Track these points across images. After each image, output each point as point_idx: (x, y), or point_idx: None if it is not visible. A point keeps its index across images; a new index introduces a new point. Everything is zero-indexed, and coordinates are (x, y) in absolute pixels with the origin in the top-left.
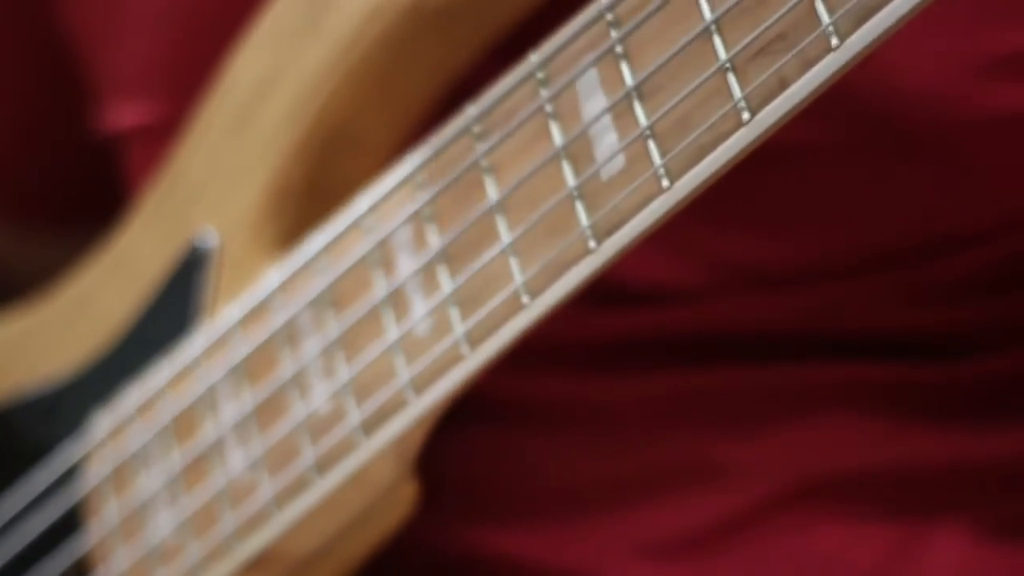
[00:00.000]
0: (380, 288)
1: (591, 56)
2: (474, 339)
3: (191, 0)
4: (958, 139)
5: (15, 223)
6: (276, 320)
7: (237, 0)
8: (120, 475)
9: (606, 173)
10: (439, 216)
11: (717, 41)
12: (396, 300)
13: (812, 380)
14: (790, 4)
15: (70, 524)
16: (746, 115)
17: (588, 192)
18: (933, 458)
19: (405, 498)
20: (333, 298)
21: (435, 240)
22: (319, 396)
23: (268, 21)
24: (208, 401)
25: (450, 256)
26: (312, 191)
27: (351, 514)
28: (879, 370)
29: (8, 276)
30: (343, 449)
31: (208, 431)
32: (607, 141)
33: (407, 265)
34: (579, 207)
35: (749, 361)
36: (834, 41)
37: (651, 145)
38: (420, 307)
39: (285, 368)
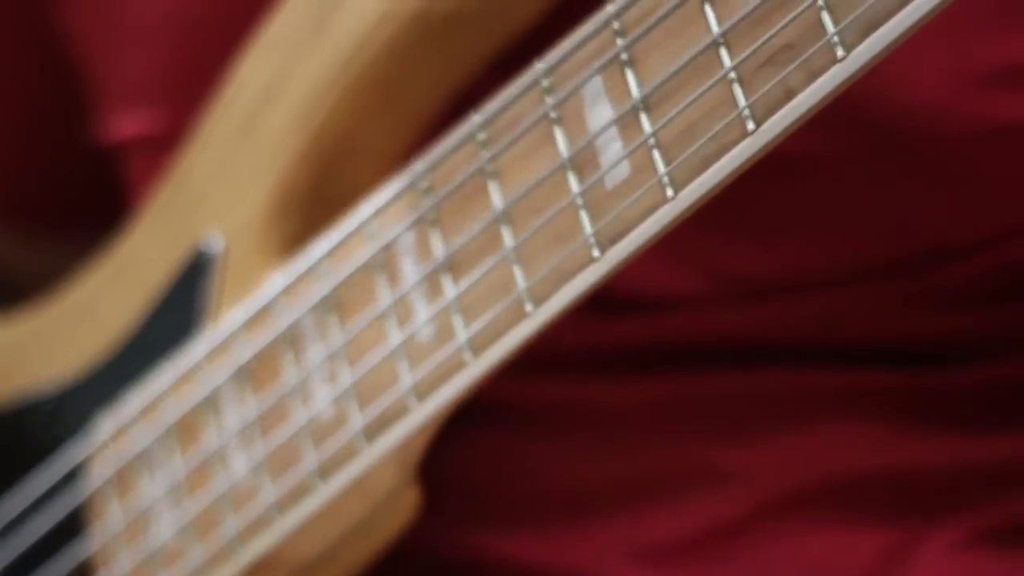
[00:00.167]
0: (383, 294)
1: (596, 64)
2: (477, 346)
3: (192, 10)
4: (958, 149)
5: (16, 227)
6: (279, 325)
7: (239, 9)
8: (123, 478)
9: (610, 182)
10: (443, 222)
11: (723, 51)
12: (399, 306)
13: (810, 386)
14: (796, 14)
15: (73, 527)
16: (751, 125)
17: (592, 200)
18: (930, 464)
19: (407, 504)
20: (336, 303)
21: (439, 246)
22: (321, 401)
23: (273, 28)
24: (211, 405)
25: (453, 263)
26: (316, 197)
27: (353, 520)
28: (877, 377)
29: (10, 280)
30: (345, 455)
31: (211, 435)
32: (612, 149)
33: (410, 271)
34: (583, 215)
35: (748, 367)
36: (840, 52)
37: (656, 154)
38: (423, 313)
39: (288, 373)
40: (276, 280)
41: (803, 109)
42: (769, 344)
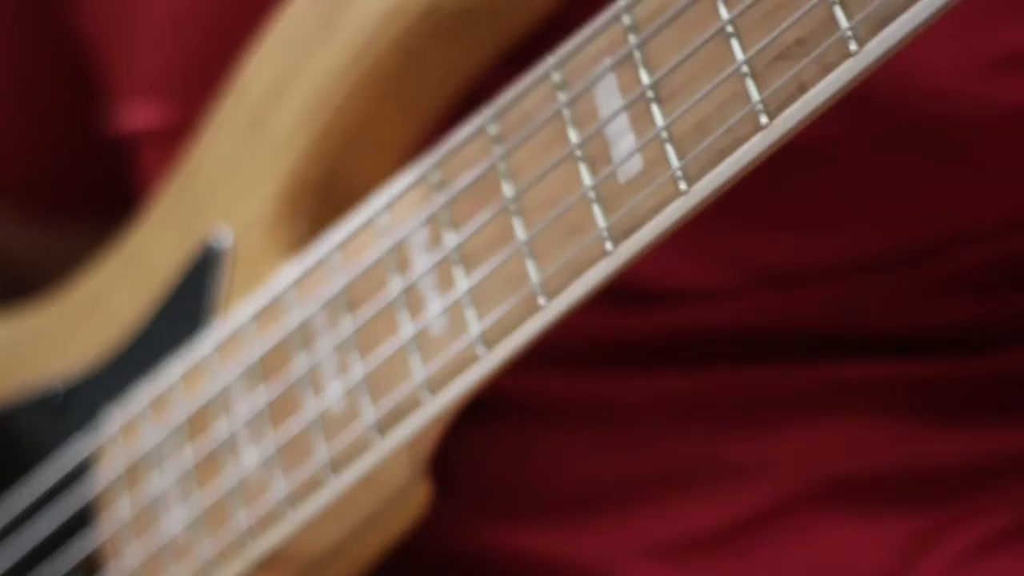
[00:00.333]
0: (395, 286)
1: (609, 60)
2: (490, 339)
3: (205, 4)
4: (971, 136)
5: (27, 219)
6: (290, 318)
7: (250, 4)
8: (132, 471)
9: (623, 175)
10: (455, 216)
11: (735, 45)
12: (411, 298)
13: (826, 380)
14: (807, 8)
15: (81, 520)
16: (764, 119)
17: (605, 194)
18: (947, 458)
19: (418, 499)
20: (348, 296)
21: (451, 239)
22: (333, 394)
23: (283, 23)
24: (221, 398)
25: (466, 256)
26: (326, 192)
27: (364, 514)
28: (894, 368)
29: (19, 273)
30: (357, 448)
31: (221, 428)
32: (624, 143)
33: (422, 263)
34: (596, 209)
35: (763, 361)
36: (853, 46)
37: (669, 148)
38: (435, 306)
39: (299, 365)
40: (287, 273)
41: (816, 103)
42: (785, 336)
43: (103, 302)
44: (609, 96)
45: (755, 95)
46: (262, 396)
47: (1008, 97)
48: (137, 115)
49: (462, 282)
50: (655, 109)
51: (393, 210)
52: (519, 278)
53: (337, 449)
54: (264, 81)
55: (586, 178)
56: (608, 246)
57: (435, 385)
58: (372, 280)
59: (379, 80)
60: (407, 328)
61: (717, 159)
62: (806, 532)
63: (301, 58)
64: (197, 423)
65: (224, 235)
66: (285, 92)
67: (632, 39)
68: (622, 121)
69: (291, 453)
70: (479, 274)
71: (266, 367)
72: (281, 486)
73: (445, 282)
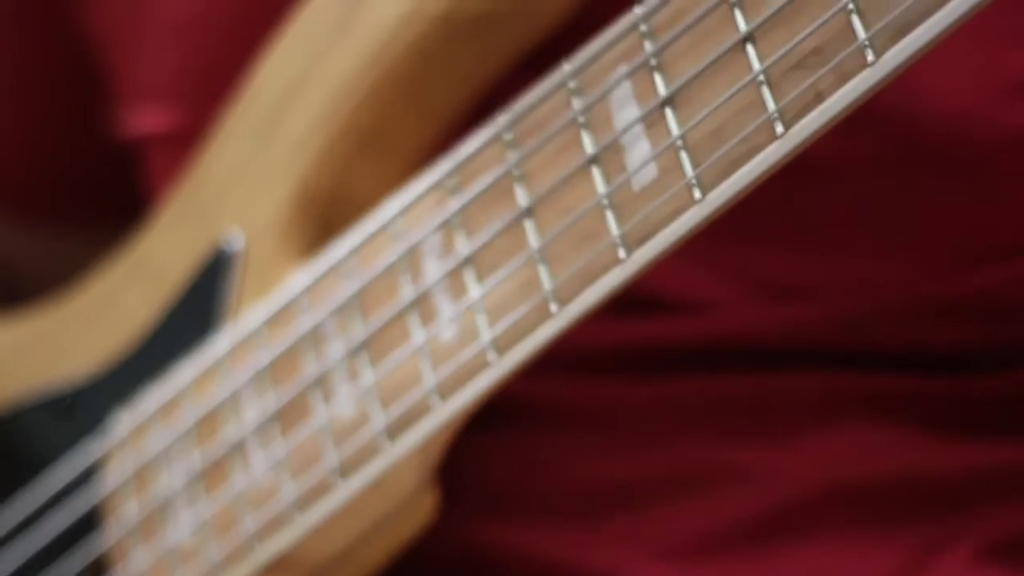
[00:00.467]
0: (407, 292)
1: (625, 67)
2: (501, 346)
3: (215, 9)
4: (986, 157)
5: (29, 223)
6: (302, 324)
7: (261, 9)
8: (140, 474)
9: (638, 183)
10: (468, 222)
11: (752, 54)
12: (422, 304)
13: (832, 390)
14: (825, 19)
15: (88, 523)
16: (780, 128)
17: (619, 202)
18: (951, 469)
19: (426, 505)
20: (359, 302)
21: (464, 246)
22: (343, 400)
23: (297, 27)
24: (231, 403)
25: (478, 262)
26: (339, 196)
27: (372, 519)
28: (900, 381)
29: (28, 277)
30: (367, 453)
31: (230, 432)
32: (639, 151)
33: (434, 270)
34: (610, 216)
35: (770, 370)
36: (870, 56)
37: (683, 156)
38: (447, 312)
39: (309, 371)
40: (299, 278)
41: (832, 112)
42: (792, 347)
43: (112, 305)
44: (624, 103)
45: (771, 104)
46: (272, 401)
47: (1021, 121)
48: (145, 119)
49: (474, 289)
50: (670, 117)
51: (407, 215)
52: (532, 285)
53: (346, 454)
54: (278, 84)
55: (600, 185)
56: (622, 254)
57: (446, 391)
58: (384, 286)
59: (395, 84)
60: (418, 334)
61: (732, 168)
62: (810, 539)
63: (316, 61)
64: (206, 427)
65: (235, 238)
66: (299, 95)
67: (648, 47)
68: (637, 129)
69: (300, 458)
70: (491, 281)
71: (276, 372)
72: (290, 490)
73: (457, 289)
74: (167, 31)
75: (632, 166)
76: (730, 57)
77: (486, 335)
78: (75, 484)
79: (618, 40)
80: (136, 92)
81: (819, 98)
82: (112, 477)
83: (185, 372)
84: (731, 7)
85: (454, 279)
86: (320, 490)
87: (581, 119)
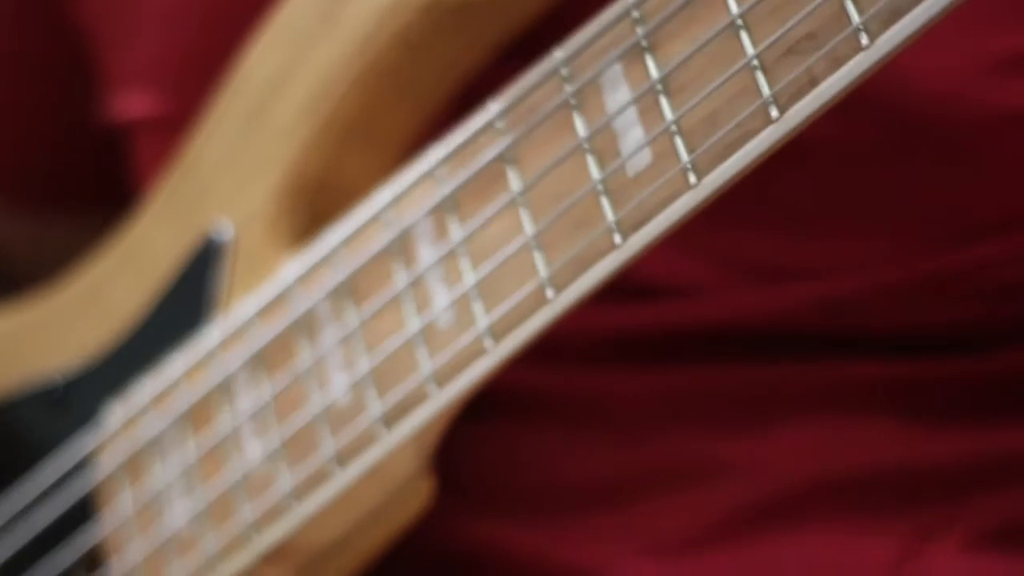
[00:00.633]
0: (400, 279)
1: (616, 52)
2: (497, 332)
3: None
4: (973, 137)
5: (22, 211)
6: (294, 313)
7: None
8: (135, 465)
9: (632, 169)
10: (461, 209)
11: (745, 39)
12: (417, 291)
13: (821, 378)
14: (818, 2)
15: (82, 515)
16: (775, 112)
17: (614, 188)
18: (942, 456)
19: (422, 492)
20: (352, 289)
21: (457, 232)
22: (338, 387)
23: (283, 16)
24: (225, 391)
25: (473, 248)
26: (327, 185)
27: (368, 507)
28: (889, 367)
29: (16, 266)
30: (364, 441)
31: (225, 421)
32: (633, 136)
33: (428, 256)
34: (604, 202)
35: (760, 359)
36: (864, 40)
37: (678, 141)
38: (442, 299)
39: (304, 358)
40: (291, 268)
41: (827, 96)
42: (782, 334)
43: (102, 295)
44: (617, 89)
45: (765, 89)
46: (267, 390)
47: (1008, 100)
48: (131, 104)
49: (469, 275)
50: (664, 102)
51: (398, 204)
52: (527, 271)
53: (343, 442)
54: (265, 73)
55: (594, 171)
56: (617, 239)
57: (442, 378)
58: (377, 272)
59: (380, 74)
60: (414, 321)
61: (727, 153)
62: (799, 530)
63: (302, 50)
64: (200, 416)
65: (225, 227)
66: (286, 84)
67: (640, 31)
68: (630, 114)
69: (296, 446)
70: (487, 267)
71: (270, 360)
72: (286, 479)
73: (452, 275)
74: (155, 16)
75: (626, 151)
76: (724, 42)
77: (482, 321)
78: (68, 476)
79: (610, 26)
80: (123, 77)
81: (813, 82)
82: (105, 468)
83: (177, 363)
84: None
85: (449, 266)
86: (317, 478)
87: (573, 101)
